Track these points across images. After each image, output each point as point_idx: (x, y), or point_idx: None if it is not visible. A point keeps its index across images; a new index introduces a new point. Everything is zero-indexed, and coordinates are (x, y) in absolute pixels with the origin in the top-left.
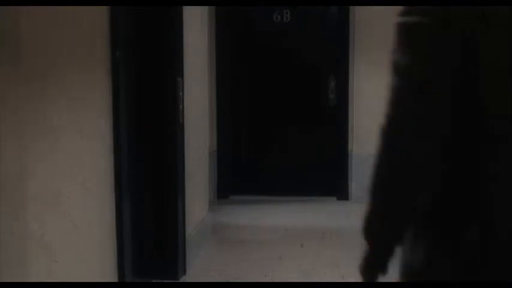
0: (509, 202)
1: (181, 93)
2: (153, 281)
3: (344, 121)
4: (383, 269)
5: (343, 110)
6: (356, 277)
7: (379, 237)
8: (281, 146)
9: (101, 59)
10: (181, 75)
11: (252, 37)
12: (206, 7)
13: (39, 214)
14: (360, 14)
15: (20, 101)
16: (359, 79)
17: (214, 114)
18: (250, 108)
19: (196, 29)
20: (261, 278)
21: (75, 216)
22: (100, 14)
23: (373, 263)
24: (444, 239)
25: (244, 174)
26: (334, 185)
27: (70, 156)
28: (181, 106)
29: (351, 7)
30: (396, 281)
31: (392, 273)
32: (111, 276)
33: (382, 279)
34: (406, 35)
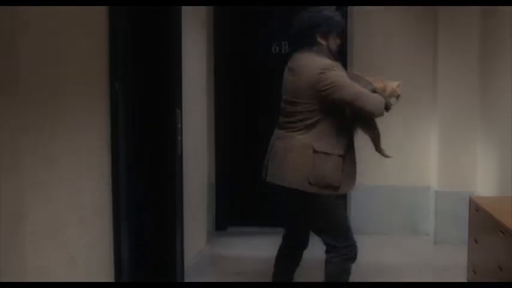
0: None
1: (179, 125)
2: None
3: None
4: None
5: None
6: None
7: None
8: None
9: (99, 90)
10: (180, 107)
11: (251, 68)
12: (204, 40)
13: (37, 246)
14: (358, 47)
15: (19, 131)
16: None
17: (213, 145)
18: (248, 140)
19: (195, 60)
20: None
21: (73, 248)
22: (100, 45)
23: None
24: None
25: (242, 206)
26: None
27: (68, 188)
28: (179, 137)
29: (349, 40)
30: None
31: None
32: None
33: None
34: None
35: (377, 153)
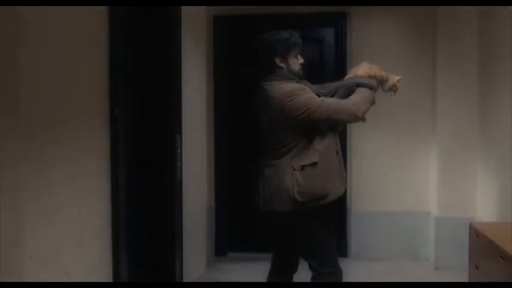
0: None
1: (179, 150)
2: None
3: None
4: None
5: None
6: None
7: None
8: None
9: (99, 116)
10: (180, 132)
11: (251, 93)
12: (204, 64)
13: (36, 272)
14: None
15: (19, 158)
16: (358, 138)
17: (213, 170)
18: (248, 165)
19: (195, 85)
20: None
21: (72, 274)
22: (99, 71)
23: None
24: None
25: (242, 231)
26: None
27: (68, 213)
28: (179, 163)
29: (348, 60)
30: None
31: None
32: None
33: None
34: None
35: (376, 178)
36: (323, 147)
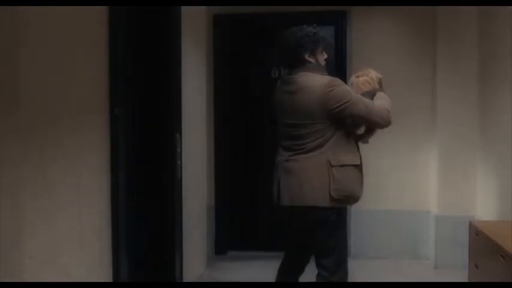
0: None
1: (179, 149)
2: None
3: None
4: None
5: None
6: None
7: None
8: None
9: (99, 116)
10: (180, 131)
11: (250, 92)
12: (204, 64)
13: (36, 272)
14: (356, 61)
15: (19, 158)
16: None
17: (213, 169)
18: (249, 164)
19: (195, 85)
20: None
21: (72, 274)
22: (99, 71)
23: None
24: None
25: (242, 230)
26: None
27: (68, 213)
28: (179, 162)
29: (348, 59)
30: None
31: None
32: None
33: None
34: None
35: (376, 177)
36: (356, 148)
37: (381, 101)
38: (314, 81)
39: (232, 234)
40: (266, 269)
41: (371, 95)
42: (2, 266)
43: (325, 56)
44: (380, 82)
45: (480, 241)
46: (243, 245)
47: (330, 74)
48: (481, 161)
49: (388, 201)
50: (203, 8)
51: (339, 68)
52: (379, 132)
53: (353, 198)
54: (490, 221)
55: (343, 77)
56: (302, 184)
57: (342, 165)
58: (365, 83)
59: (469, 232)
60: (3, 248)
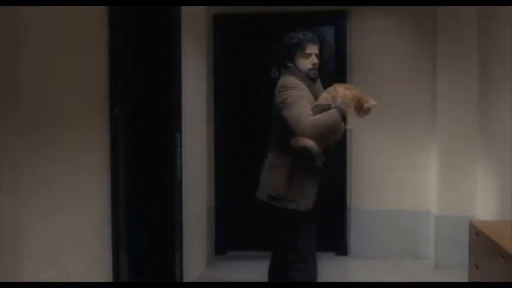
0: None
1: (179, 149)
2: None
3: (342, 176)
4: None
5: (342, 165)
6: None
7: None
8: None
9: (99, 116)
10: (180, 131)
11: (250, 92)
12: (204, 64)
13: (36, 272)
14: (356, 64)
15: (19, 156)
16: (358, 137)
17: (213, 169)
18: (248, 164)
19: (195, 85)
20: None
21: (72, 274)
22: (99, 71)
23: None
24: None
25: (242, 230)
26: (332, 241)
27: (68, 213)
28: (179, 162)
29: (348, 59)
30: None
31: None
32: None
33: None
34: None
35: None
36: (299, 153)
37: (322, 115)
38: (280, 82)
39: (232, 234)
40: (266, 269)
41: (320, 109)
42: (2, 266)
43: (314, 61)
44: (354, 99)
45: (480, 241)
46: (243, 245)
47: (330, 73)
48: (481, 160)
49: (388, 201)
50: (203, 8)
51: (339, 67)
52: (379, 132)
53: (287, 200)
54: (490, 221)
55: (343, 77)
56: (263, 180)
57: (277, 165)
58: (323, 99)
59: (469, 232)
60: (3, 247)
